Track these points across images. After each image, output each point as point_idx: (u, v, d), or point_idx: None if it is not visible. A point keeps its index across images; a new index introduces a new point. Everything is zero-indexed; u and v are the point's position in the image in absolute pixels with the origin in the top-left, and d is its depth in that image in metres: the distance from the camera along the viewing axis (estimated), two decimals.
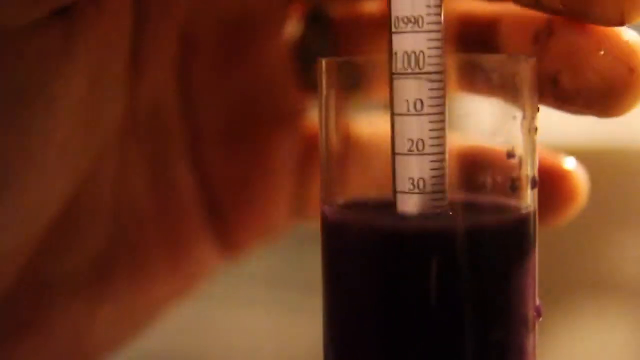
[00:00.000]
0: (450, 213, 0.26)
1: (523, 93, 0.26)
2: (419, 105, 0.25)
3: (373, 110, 0.29)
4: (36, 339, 0.31)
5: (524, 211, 0.26)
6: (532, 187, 0.27)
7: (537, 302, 0.27)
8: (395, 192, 0.26)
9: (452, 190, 0.26)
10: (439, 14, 0.25)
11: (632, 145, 0.75)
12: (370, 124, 0.29)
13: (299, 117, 0.35)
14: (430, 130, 0.25)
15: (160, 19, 0.31)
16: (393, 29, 0.25)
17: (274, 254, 0.97)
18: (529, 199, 0.27)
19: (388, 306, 0.26)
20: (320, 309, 0.27)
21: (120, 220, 0.32)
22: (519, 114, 0.26)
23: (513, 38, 0.28)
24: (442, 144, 0.26)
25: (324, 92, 0.27)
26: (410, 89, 0.25)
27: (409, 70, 0.25)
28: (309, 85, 0.34)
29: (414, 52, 0.25)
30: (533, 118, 0.27)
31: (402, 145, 0.26)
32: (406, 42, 0.25)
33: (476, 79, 0.26)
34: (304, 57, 0.34)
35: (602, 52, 0.26)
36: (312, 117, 0.35)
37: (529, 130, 0.26)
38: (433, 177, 0.26)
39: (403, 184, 0.26)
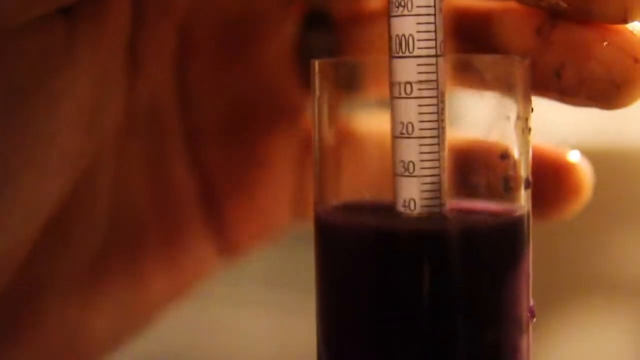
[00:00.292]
0: (444, 214, 0.26)
1: (517, 93, 0.26)
2: (408, 89, 0.25)
3: (367, 110, 0.29)
4: (32, 338, 0.31)
5: (518, 212, 0.26)
6: (526, 188, 0.26)
7: (531, 302, 0.27)
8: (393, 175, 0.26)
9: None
10: None
11: (630, 145, 0.75)
12: (364, 124, 0.29)
13: (298, 116, 0.34)
14: (420, 113, 0.25)
15: (159, 17, 0.31)
16: (390, 13, 0.26)
17: (273, 254, 0.97)
18: (522, 199, 0.27)
19: (381, 307, 0.26)
20: None
21: (117, 220, 0.32)
22: (512, 115, 0.26)
23: (515, 31, 0.28)
24: (433, 128, 0.26)
25: (317, 92, 0.27)
26: (401, 72, 0.25)
27: (400, 54, 0.25)
28: (309, 85, 0.33)
29: (404, 36, 0.25)
30: (527, 119, 0.26)
31: (396, 128, 0.26)
32: (397, 26, 0.25)
33: (470, 80, 0.26)
34: (305, 56, 0.34)
35: (605, 43, 0.26)
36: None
37: (523, 131, 0.26)
38: (422, 160, 0.26)
39: (397, 168, 0.26)
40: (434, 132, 0.26)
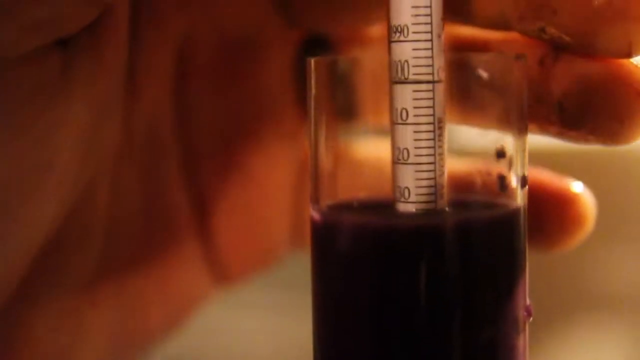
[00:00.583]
0: (440, 210, 0.26)
1: (513, 91, 0.26)
2: (404, 115, 0.25)
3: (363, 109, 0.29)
4: (21, 358, 0.31)
5: (514, 211, 0.26)
6: (522, 186, 0.26)
7: (528, 302, 0.27)
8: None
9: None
10: (428, 24, 0.25)
11: (630, 151, 0.75)
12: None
13: (297, 140, 0.34)
14: (415, 140, 0.25)
15: (157, 42, 0.31)
16: (389, 39, 0.26)
17: None
18: (519, 198, 0.26)
19: (377, 305, 0.26)
20: None
21: (111, 245, 0.32)
22: (509, 113, 0.26)
23: None
24: (429, 154, 0.26)
25: (313, 91, 0.27)
26: (398, 98, 0.26)
27: (396, 79, 0.25)
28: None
29: (400, 61, 0.25)
30: (523, 117, 0.26)
31: (395, 154, 0.26)
32: (395, 51, 0.26)
33: (466, 78, 0.26)
34: (304, 80, 0.33)
35: (609, 77, 0.26)
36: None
37: (519, 130, 0.26)
38: (418, 187, 0.26)
39: (398, 195, 0.26)
40: (431, 159, 0.25)
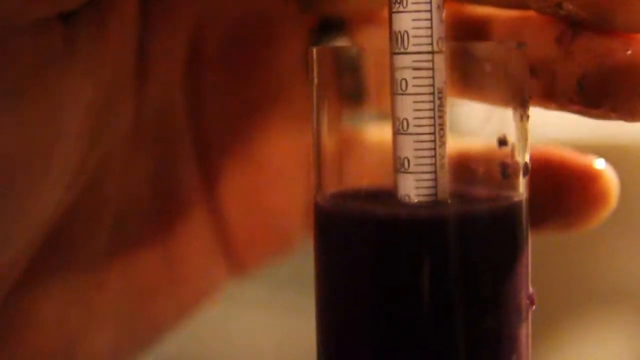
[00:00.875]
0: (442, 200, 0.26)
1: (515, 80, 0.26)
2: (403, 85, 0.25)
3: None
4: (29, 341, 0.31)
5: (516, 199, 0.26)
6: (524, 175, 0.26)
7: (531, 290, 0.27)
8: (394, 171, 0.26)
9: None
10: None
11: (634, 143, 0.75)
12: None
13: (309, 123, 0.34)
14: (415, 110, 0.25)
15: (169, 24, 0.31)
16: (390, 10, 0.26)
17: None
18: (521, 186, 0.26)
19: (379, 295, 0.26)
20: None
21: (121, 231, 0.32)
22: (510, 102, 0.26)
23: (535, 40, 0.27)
24: (429, 125, 0.25)
25: (316, 80, 0.27)
26: (398, 69, 0.25)
27: (396, 50, 0.25)
28: None
29: (400, 32, 0.25)
30: (525, 105, 0.26)
31: (395, 125, 0.26)
32: (395, 22, 0.25)
33: (468, 67, 0.26)
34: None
35: (629, 52, 0.25)
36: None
37: (521, 118, 0.26)
38: (418, 157, 0.26)
39: (398, 165, 0.26)
40: (430, 129, 0.25)
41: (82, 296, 0.31)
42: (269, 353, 0.97)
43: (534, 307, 0.27)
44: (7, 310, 0.30)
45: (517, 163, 0.26)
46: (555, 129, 0.59)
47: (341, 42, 0.33)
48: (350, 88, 0.27)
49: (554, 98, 0.27)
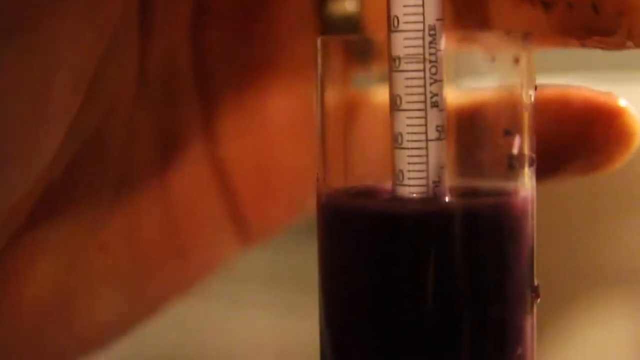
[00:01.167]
0: (446, 194, 0.26)
1: (520, 70, 0.26)
2: (397, 63, 0.25)
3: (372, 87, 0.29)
4: (25, 298, 0.30)
5: (522, 192, 0.26)
6: (530, 166, 0.26)
7: (535, 282, 0.27)
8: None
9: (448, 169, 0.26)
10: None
11: None
12: (369, 101, 0.28)
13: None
14: (405, 47, 0.25)
15: None
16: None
17: (274, 253, 0.96)
18: (526, 177, 0.26)
19: (384, 287, 0.26)
20: None
21: (123, 186, 0.31)
22: (516, 92, 0.26)
23: None
24: (420, 101, 0.25)
25: (320, 70, 0.27)
26: (393, 47, 0.26)
27: (392, 29, 0.25)
28: None
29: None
30: (530, 95, 0.26)
31: (391, 101, 0.26)
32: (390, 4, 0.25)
33: (473, 58, 0.26)
34: (325, 21, 0.33)
35: None
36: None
37: (527, 108, 0.26)
38: (409, 133, 0.25)
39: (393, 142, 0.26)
40: (421, 105, 0.25)
41: (81, 256, 0.30)
42: (269, 353, 0.97)
43: (538, 299, 0.27)
44: (3, 263, 0.29)
45: (522, 154, 0.26)
46: None
47: (349, 2, 0.32)
48: (356, 79, 0.27)
49: (570, 30, 0.26)
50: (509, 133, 0.26)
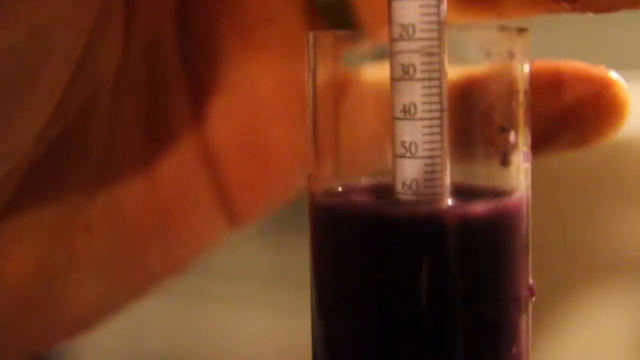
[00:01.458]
0: (441, 196, 0.25)
1: (516, 66, 0.26)
2: (410, 30, 0.25)
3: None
4: (8, 277, 0.29)
5: (517, 190, 0.26)
6: (525, 162, 0.26)
7: (531, 281, 0.26)
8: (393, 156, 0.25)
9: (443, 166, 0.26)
10: None
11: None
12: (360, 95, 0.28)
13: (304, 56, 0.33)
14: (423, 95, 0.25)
15: None
16: None
17: (273, 254, 0.96)
18: (522, 174, 0.26)
19: (377, 287, 0.25)
20: None
21: (108, 167, 0.30)
22: (512, 88, 0.26)
23: None
24: (434, 110, 0.25)
25: (312, 65, 0.26)
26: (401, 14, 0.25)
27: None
28: (322, 19, 0.32)
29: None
30: (527, 92, 0.26)
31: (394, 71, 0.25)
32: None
33: (469, 53, 0.26)
34: None
35: None
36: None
37: (522, 105, 0.26)
38: (425, 142, 0.25)
39: (398, 149, 0.25)
40: (434, 112, 0.25)
41: (65, 237, 0.30)
42: (269, 352, 0.97)
43: (533, 298, 0.26)
44: None
45: (518, 151, 0.26)
46: None
47: None
48: (348, 74, 0.27)
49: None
50: (504, 130, 0.26)
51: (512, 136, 0.26)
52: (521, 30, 0.26)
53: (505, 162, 0.26)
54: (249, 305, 1.00)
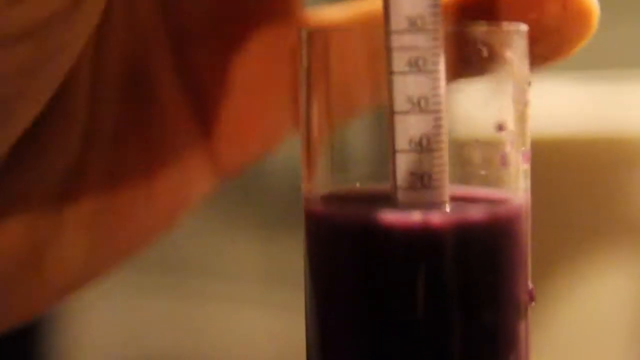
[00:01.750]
0: (437, 203, 0.25)
1: (514, 64, 0.25)
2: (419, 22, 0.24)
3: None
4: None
5: (517, 194, 0.25)
6: (524, 163, 0.25)
7: (530, 286, 0.26)
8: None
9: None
10: None
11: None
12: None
13: (292, 10, 0.32)
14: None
15: None
16: None
17: (271, 253, 0.96)
18: (521, 175, 0.25)
19: (374, 293, 0.25)
20: None
21: (93, 132, 0.30)
22: (509, 87, 0.25)
23: None
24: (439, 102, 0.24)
25: (305, 64, 0.26)
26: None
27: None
28: None
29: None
30: (525, 90, 0.25)
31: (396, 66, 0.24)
32: None
33: (465, 51, 0.25)
34: None
35: None
36: (311, 10, 0.32)
37: (520, 102, 0.25)
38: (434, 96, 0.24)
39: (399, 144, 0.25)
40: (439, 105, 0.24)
41: (52, 205, 0.30)
42: (267, 352, 0.97)
43: (533, 303, 0.26)
44: None
45: (516, 150, 0.25)
46: (554, 121, 0.59)
47: None
48: (342, 74, 0.26)
49: None
50: (502, 129, 0.25)
51: (510, 135, 0.25)
52: (519, 30, 0.25)
53: (504, 161, 0.25)
54: (245, 304, 1.00)
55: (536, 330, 0.26)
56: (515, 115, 0.25)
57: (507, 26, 0.26)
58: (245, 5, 0.31)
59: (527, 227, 0.25)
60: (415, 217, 0.24)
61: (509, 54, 0.25)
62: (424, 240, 0.24)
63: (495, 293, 0.25)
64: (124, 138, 0.31)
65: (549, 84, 0.57)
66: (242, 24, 0.31)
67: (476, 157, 0.26)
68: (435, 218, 0.24)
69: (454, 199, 0.25)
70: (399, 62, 0.24)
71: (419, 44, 0.24)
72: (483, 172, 0.26)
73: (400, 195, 0.25)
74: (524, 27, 0.25)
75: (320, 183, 0.26)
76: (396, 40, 0.24)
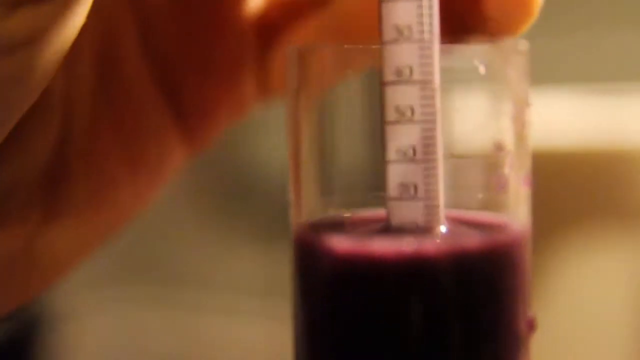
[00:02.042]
0: (434, 232, 0.24)
1: (513, 83, 0.24)
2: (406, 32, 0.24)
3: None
4: None
5: (516, 221, 0.24)
6: (524, 185, 0.24)
7: (530, 314, 0.25)
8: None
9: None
10: None
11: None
12: None
13: None
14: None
15: None
16: None
17: (268, 266, 0.95)
18: (521, 200, 0.24)
19: (368, 326, 0.24)
20: None
21: (70, 121, 0.30)
22: (508, 107, 0.24)
23: None
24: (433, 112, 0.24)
25: (295, 85, 0.24)
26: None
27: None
28: None
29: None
30: (524, 110, 0.24)
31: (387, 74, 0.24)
32: None
33: (462, 70, 0.24)
34: None
35: None
36: None
37: (519, 123, 0.24)
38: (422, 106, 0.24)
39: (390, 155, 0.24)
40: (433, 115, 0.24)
41: (39, 197, 0.30)
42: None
43: (533, 332, 0.25)
44: None
45: (516, 171, 0.24)
46: (555, 135, 0.58)
47: None
48: (334, 93, 0.25)
49: None
50: (500, 149, 0.24)
51: (508, 156, 0.24)
52: (519, 46, 0.24)
53: (502, 184, 0.24)
54: (243, 316, 1.00)
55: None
56: (514, 135, 0.24)
57: (506, 44, 0.25)
58: None
59: (527, 255, 0.24)
60: (408, 246, 0.23)
61: (507, 71, 0.24)
62: (416, 271, 0.23)
63: (493, 326, 0.24)
64: (100, 126, 0.31)
65: (549, 97, 0.57)
66: (205, 2, 0.31)
67: (474, 179, 0.25)
68: (429, 247, 0.23)
69: (450, 222, 0.24)
70: (388, 71, 0.24)
71: (405, 53, 0.23)
72: (481, 195, 0.25)
73: (391, 206, 0.24)
74: (523, 46, 0.24)
75: (308, 209, 0.25)
76: (386, 50, 0.24)
